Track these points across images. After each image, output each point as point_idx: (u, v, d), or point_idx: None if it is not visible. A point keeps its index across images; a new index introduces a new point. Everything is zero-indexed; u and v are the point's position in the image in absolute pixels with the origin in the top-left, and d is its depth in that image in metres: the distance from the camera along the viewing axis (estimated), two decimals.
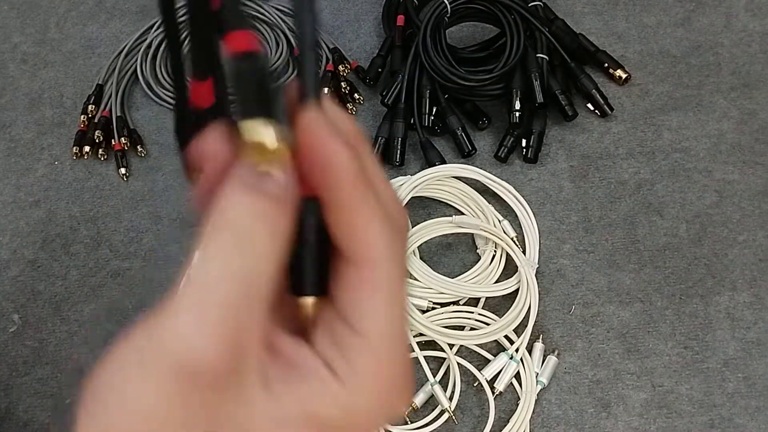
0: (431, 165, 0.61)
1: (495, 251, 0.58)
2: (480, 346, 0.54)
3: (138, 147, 0.66)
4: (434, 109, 0.63)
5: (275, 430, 0.19)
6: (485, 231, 0.57)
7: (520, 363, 0.53)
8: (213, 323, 0.18)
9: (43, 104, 0.71)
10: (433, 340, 0.54)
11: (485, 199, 0.60)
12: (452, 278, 0.56)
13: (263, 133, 0.20)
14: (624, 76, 0.65)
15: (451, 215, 0.60)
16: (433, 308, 0.56)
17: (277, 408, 0.19)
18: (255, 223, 0.19)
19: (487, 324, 0.54)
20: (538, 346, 0.54)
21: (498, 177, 0.60)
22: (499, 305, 0.56)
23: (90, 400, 0.19)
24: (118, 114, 0.67)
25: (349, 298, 0.21)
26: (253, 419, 0.19)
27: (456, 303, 0.56)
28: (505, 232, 0.59)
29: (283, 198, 0.20)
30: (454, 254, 0.59)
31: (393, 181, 0.61)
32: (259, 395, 0.19)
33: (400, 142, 0.62)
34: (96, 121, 0.67)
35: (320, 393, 0.20)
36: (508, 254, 0.57)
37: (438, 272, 0.56)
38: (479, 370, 0.53)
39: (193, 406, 0.18)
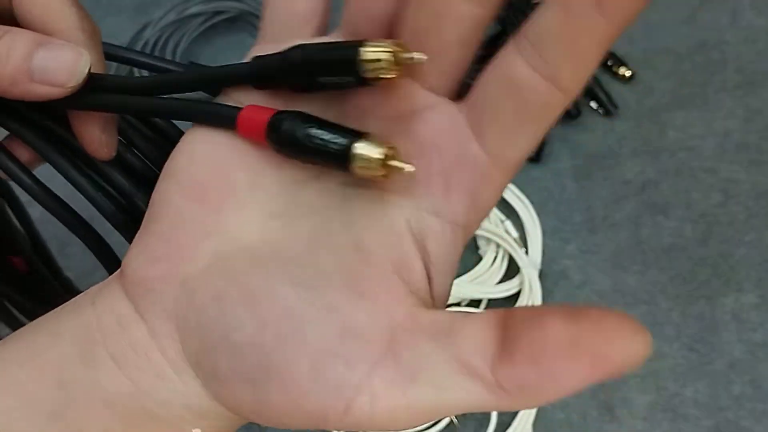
0: None
1: (497, 252, 0.57)
2: None
3: None
4: None
5: None
6: (487, 232, 0.57)
7: None
8: None
9: None
10: None
11: None
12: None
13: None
14: (628, 74, 0.65)
15: None
16: None
17: None
18: None
19: None
20: None
21: None
22: (502, 307, 0.55)
23: None
24: None
25: None
26: None
27: (457, 305, 0.56)
28: (507, 233, 0.58)
29: None
30: None
31: None
32: None
33: None
34: None
35: None
36: (510, 255, 0.56)
37: None
38: None
39: None
